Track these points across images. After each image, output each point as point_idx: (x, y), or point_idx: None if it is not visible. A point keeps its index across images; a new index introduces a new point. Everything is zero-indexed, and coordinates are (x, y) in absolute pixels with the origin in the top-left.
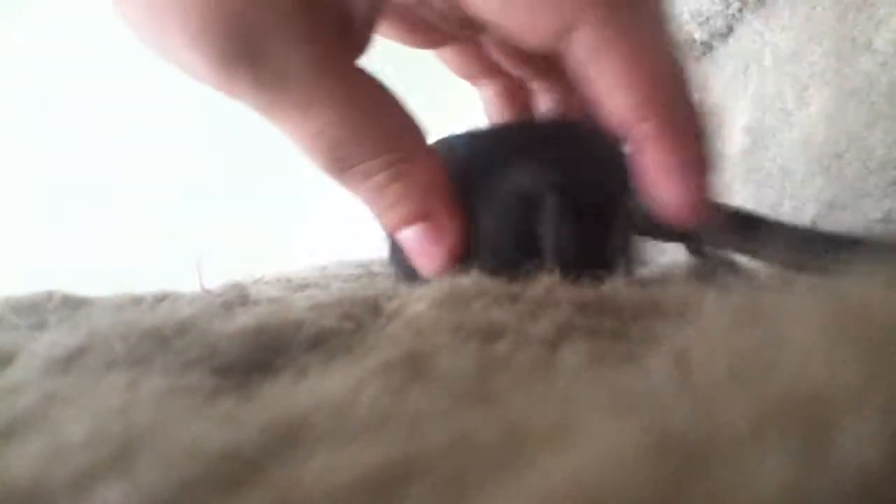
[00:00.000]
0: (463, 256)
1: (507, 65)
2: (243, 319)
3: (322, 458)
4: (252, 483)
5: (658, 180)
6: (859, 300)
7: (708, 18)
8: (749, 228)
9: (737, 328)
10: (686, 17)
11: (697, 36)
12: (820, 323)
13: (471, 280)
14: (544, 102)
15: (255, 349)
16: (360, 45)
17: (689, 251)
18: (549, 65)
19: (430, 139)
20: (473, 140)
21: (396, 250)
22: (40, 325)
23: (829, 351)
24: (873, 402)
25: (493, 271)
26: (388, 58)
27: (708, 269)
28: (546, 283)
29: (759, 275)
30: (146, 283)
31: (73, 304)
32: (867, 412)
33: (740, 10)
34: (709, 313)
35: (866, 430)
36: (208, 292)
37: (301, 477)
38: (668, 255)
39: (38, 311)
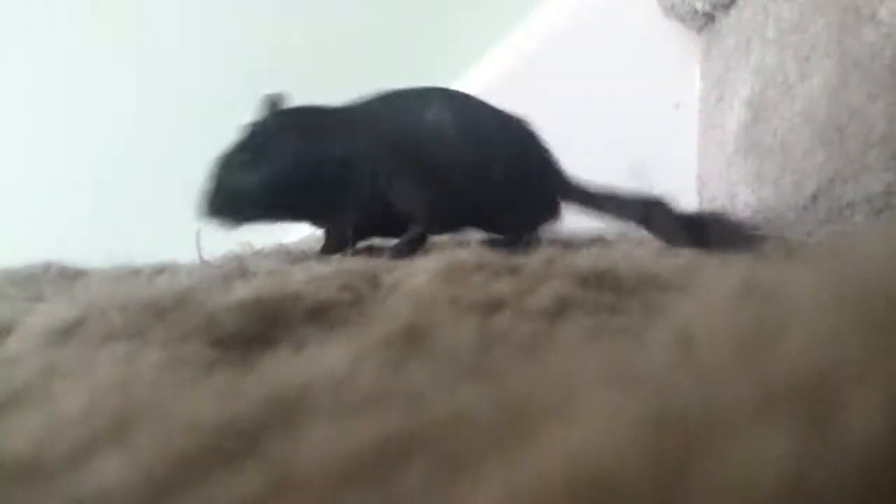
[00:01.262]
0: None
1: None
2: (242, 291)
3: (320, 432)
4: (250, 456)
5: None
6: (862, 274)
7: None
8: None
9: (739, 302)
10: None
11: (699, 6)
12: (823, 298)
13: (470, 253)
14: None
15: (254, 321)
16: None
17: None
18: None
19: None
20: None
21: None
22: (38, 297)
23: (833, 327)
24: (877, 379)
25: None
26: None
27: None
28: (546, 255)
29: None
30: (145, 255)
31: (70, 276)
32: (871, 389)
33: None
34: (710, 287)
35: (870, 407)
36: (207, 264)
37: (299, 450)
38: None
39: (36, 283)
